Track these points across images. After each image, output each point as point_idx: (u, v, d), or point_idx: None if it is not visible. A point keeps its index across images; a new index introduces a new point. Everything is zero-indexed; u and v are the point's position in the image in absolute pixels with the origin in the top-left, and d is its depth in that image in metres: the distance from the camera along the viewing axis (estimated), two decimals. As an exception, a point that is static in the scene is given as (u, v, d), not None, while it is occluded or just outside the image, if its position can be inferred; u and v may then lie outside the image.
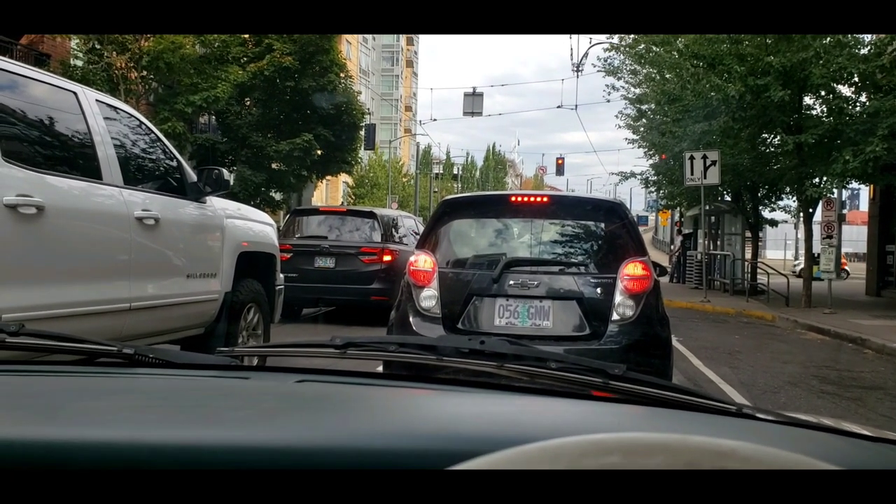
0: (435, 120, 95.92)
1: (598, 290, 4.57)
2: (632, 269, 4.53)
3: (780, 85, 13.20)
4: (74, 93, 4.46)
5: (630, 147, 30.02)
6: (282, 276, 6.76)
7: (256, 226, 6.31)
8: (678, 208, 27.60)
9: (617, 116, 23.38)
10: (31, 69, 4.41)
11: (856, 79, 13.64)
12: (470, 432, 0.88)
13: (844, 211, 29.56)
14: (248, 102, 21.53)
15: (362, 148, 29.87)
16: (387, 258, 10.74)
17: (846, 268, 20.71)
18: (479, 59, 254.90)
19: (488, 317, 4.59)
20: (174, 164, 5.41)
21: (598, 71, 21.29)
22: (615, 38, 18.20)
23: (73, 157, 4.42)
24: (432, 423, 1.01)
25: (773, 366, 8.57)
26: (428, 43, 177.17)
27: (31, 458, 0.76)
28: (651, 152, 23.12)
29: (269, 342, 6.21)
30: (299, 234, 11.39)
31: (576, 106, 32.91)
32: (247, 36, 20.79)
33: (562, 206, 5.19)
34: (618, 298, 4.48)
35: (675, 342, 9.24)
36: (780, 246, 48.20)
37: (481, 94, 34.23)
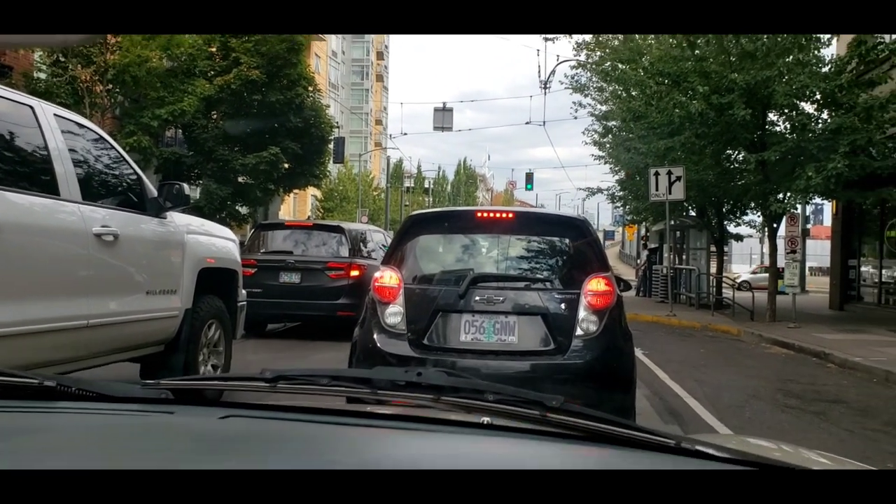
0: (405, 134, 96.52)
1: (563, 306, 4.59)
2: (595, 284, 4.55)
3: (743, 103, 13.41)
4: (31, 107, 4.38)
5: (597, 163, 30.41)
6: (244, 292, 6.69)
7: (218, 241, 6.24)
8: (644, 223, 27.92)
9: (584, 133, 23.64)
10: (-14, 83, 4.32)
11: (818, 96, 13.91)
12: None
13: (808, 226, 30.12)
14: (216, 116, 21.36)
15: (331, 161, 29.79)
16: (354, 273, 10.68)
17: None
18: (449, 75, 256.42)
19: (454, 332, 4.57)
20: (134, 179, 5.33)
21: (566, 88, 21.59)
22: (582, 56, 18.41)
23: (30, 173, 4.33)
24: (355, 465, 0.98)
25: (738, 380, 8.65)
26: (398, 57, 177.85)
27: None
28: (617, 168, 23.39)
29: (228, 360, 6.15)
30: (264, 249, 11.28)
31: (544, 122, 33.17)
32: (214, 49, 20.67)
33: (527, 222, 5.22)
34: (581, 314, 4.50)
35: (641, 356, 9.31)
36: (746, 260, 48.95)
37: (451, 110, 34.43)
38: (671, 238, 20.18)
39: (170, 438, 1.12)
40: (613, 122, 22.12)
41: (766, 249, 23.74)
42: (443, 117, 34.06)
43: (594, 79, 20.79)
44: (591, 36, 17.06)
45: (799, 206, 17.94)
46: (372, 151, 71.01)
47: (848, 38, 14.26)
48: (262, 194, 22.66)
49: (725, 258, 24.05)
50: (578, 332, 4.48)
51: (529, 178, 45.87)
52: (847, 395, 7.92)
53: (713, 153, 16.16)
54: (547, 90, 26.27)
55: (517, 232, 5.02)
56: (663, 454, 1.11)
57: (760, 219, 18.50)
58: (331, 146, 26.51)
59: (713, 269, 21.26)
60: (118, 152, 5.26)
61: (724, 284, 20.28)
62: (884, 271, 18.31)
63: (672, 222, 18.43)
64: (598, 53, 17.45)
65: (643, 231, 31.39)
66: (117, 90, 18.07)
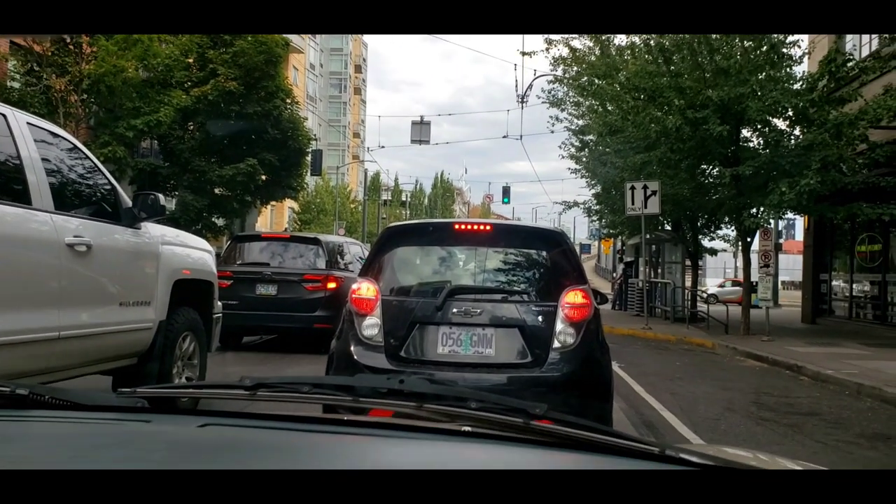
0: (383, 147, 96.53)
1: (540, 318, 4.58)
2: (572, 297, 4.56)
3: (718, 118, 13.58)
4: (4, 115, 4.32)
5: (573, 177, 30.58)
6: (220, 304, 6.62)
7: (194, 252, 6.17)
8: (620, 237, 28.09)
9: (561, 147, 23.80)
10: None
11: (790, 112, 14.12)
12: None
13: (781, 240, 30.46)
14: (192, 127, 21.23)
15: (308, 173, 29.69)
16: (331, 285, 10.63)
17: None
18: (426, 89, 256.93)
19: (431, 345, 4.55)
20: (108, 189, 5.27)
21: (543, 102, 21.71)
22: (559, 71, 18.53)
23: (1, 182, 4.27)
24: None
25: (713, 392, 8.70)
26: (376, 70, 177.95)
27: None
28: (594, 182, 23.54)
29: (203, 373, 6.07)
30: (240, 261, 11.20)
31: (521, 136, 33.41)
32: (191, 60, 20.55)
33: (504, 235, 5.20)
34: (559, 326, 4.50)
35: (617, 369, 9.33)
36: (721, 274, 49.31)
37: (429, 123, 34.42)
38: (647, 252, 20.34)
39: (146, 447, 1.10)
40: (590, 137, 22.27)
41: (740, 263, 23.97)
42: (420, 130, 34.06)
43: (571, 93, 20.96)
44: (567, 51, 17.19)
45: (772, 221, 18.15)
46: (349, 164, 70.94)
47: (819, 55, 14.51)
48: (238, 206, 22.55)
49: (700, 272, 24.23)
50: (556, 344, 4.47)
51: (506, 191, 46.05)
52: (820, 407, 7.99)
53: (688, 168, 16.33)
54: (524, 104, 26.42)
55: (495, 244, 5.00)
56: (648, 461, 1.11)
57: (734, 233, 18.70)
58: (308, 158, 26.44)
59: (688, 283, 21.44)
60: (92, 162, 5.20)
61: (698, 298, 20.45)
62: (854, 285, 18.56)
63: (648, 236, 18.58)
64: (575, 68, 17.57)
65: (619, 245, 31.58)
66: (92, 100, 17.91)
